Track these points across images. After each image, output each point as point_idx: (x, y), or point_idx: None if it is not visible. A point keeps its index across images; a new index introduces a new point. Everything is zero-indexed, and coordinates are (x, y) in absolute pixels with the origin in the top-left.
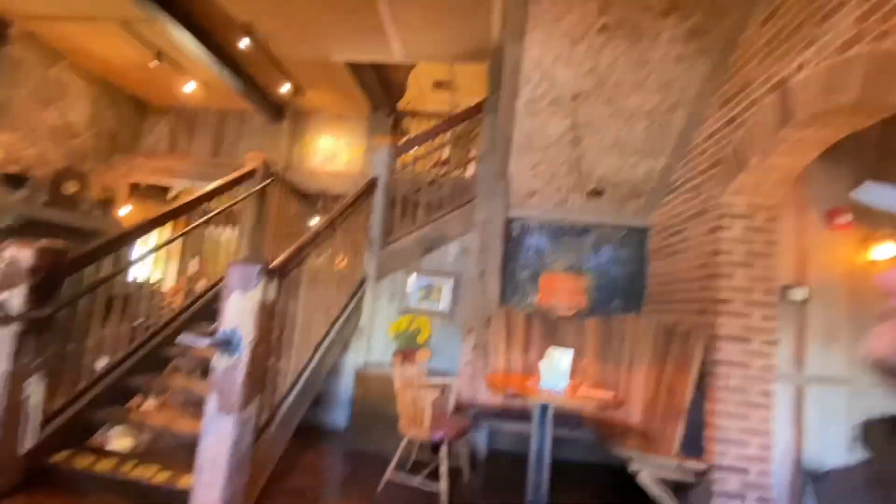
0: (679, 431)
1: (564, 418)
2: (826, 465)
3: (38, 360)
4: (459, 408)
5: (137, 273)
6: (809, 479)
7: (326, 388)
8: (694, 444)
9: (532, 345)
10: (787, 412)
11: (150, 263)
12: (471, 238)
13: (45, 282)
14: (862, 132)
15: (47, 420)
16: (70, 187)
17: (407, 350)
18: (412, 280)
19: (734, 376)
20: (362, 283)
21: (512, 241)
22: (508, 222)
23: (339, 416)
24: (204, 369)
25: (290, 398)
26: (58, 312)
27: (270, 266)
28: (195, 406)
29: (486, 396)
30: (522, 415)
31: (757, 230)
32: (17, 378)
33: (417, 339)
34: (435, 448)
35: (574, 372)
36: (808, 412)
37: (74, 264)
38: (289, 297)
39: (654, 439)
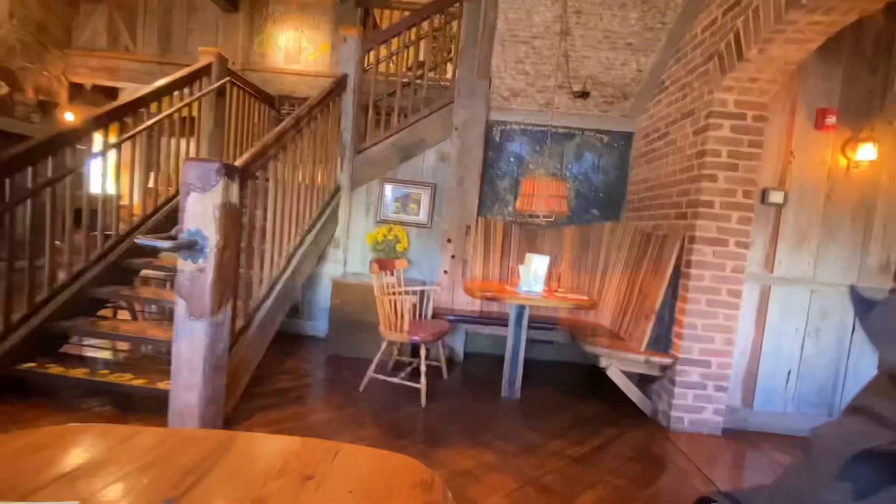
0: (649, 330)
1: (539, 321)
2: (871, 295)
3: None
4: (438, 314)
5: (97, 187)
6: (859, 310)
7: (306, 299)
8: (662, 341)
9: (510, 252)
10: (751, 310)
11: (109, 176)
12: (449, 145)
13: None
14: (861, 26)
15: (10, 330)
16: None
17: (385, 259)
18: (388, 190)
19: (707, 277)
20: (336, 192)
21: (492, 146)
22: (489, 126)
23: (319, 325)
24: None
25: (267, 305)
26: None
27: (231, 164)
28: (169, 317)
29: (464, 302)
30: (498, 320)
31: (745, 130)
32: None
33: (396, 249)
34: (414, 349)
35: (550, 277)
36: (771, 310)
37: (8, 166)
38: (257, 203)
39: (624, 338)
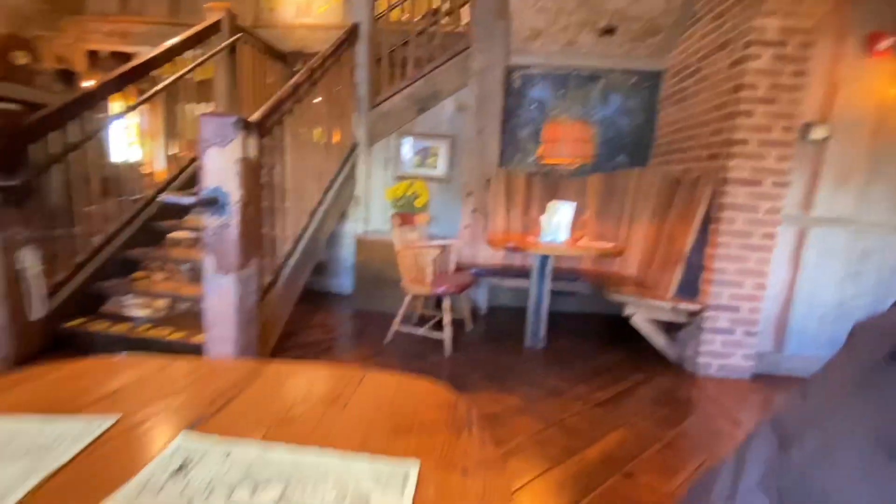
0: (676, 277)
1: (562, 273)
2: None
3: (26, 231)
4: (460, 268)
5: (120, 155)
6: None
7: (329, 257)
8: (689, 287)
9: (532, 204)
10: (785, 253)
11: (131, 143)
12: (467, 93)
13: (8, 149)
14: None
15: (52, 291)
16: (19, 58)
17: (405, 213)
18: (406, 144)
19: (739, 220)
20: (354, 149)
21: (512, 93)
22: (509, 71)
23: (344, 283)
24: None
25: (292, 261)
26: (31, 181)
27: (248, 119)
28: (201, 275)
29: (487, 256)
30: (521, 272)
31: (787, 59)
32: (7, 249)
33: (415, 204)
34: (438, 302)
35: (575, 226)
36: (808, 252)
37: (34, 130)
38: (275, 161)
39: (651, 286)
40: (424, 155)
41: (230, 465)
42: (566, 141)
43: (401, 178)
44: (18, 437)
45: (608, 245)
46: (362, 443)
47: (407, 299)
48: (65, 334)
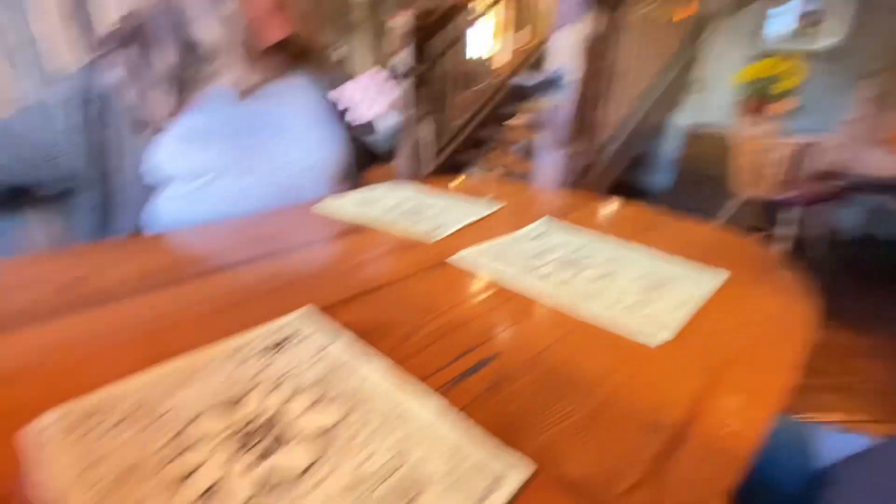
0: None
1: None
2: None
3: (425, 107)
4: (827, 176)
5: (481, 49)
6: None
7: (651, 150)
8: None
9: None
10: None
11: (493, 39)
12: None
13: (420, 42)
14: None
15: (433, 159)
16: None
17: (759, 99)
18: (779, 9)
19: None
20: (704, 21)
21: None
22: None
23: (664, 179)
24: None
25: (613, 147)
26: (431, 69)
27: None
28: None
29: (875, 162)
30: None
31: None
32: (414, 121)
33: (776, 88)
34: (776, 211)
35: None
36: None
37: (432, 27)
38: (614, 40)
39: None
40: (805, 22)
41: (571, 240)
42: None
43: (764, 55)
44: (452, 206)
45: None
46: (676, 252)
47: (735, 203)
48: None
